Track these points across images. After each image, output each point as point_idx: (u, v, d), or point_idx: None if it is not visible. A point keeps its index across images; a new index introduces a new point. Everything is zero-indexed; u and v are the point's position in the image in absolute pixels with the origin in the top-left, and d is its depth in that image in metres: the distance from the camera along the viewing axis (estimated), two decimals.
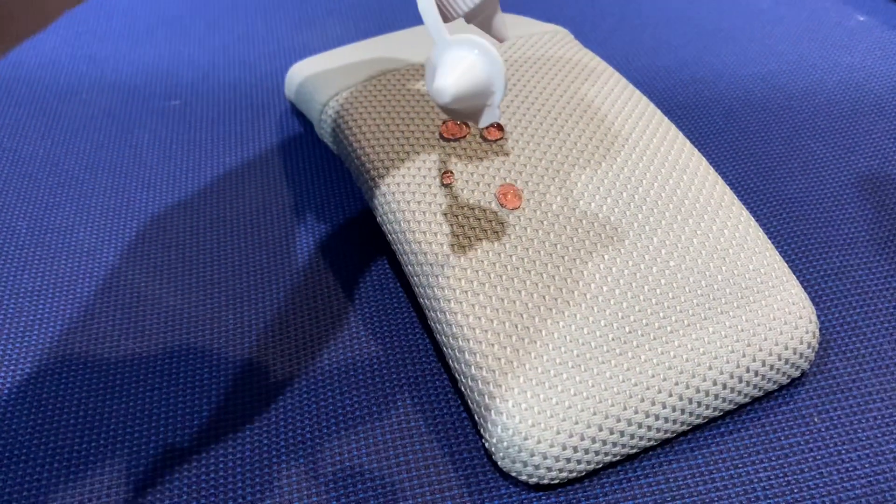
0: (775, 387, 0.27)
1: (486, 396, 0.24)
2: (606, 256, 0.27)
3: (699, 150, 0.37)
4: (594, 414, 0.24)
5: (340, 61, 0.36)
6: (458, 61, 0.21)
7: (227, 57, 0.47)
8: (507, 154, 0.30)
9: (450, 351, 0.26)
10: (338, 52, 0.38)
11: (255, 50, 0.48)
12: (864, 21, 0.46)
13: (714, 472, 0.25)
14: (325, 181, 0.37)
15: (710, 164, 0.36)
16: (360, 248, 0.34)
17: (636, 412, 0.25)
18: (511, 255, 0.27)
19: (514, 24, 0.38)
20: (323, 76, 0.35)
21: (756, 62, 0.43)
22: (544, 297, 0.26)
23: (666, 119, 0.32)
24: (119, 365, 0.29)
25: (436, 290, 0.26)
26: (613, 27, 0.47)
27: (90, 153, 0.40)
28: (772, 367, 0.26)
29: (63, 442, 0.27)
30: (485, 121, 0.23)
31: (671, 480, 0.25)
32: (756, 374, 0.26)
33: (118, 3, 0.54)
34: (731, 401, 0.26)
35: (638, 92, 0.33)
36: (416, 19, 0.47)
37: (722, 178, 0.33)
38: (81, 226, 0.35)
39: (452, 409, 0.27)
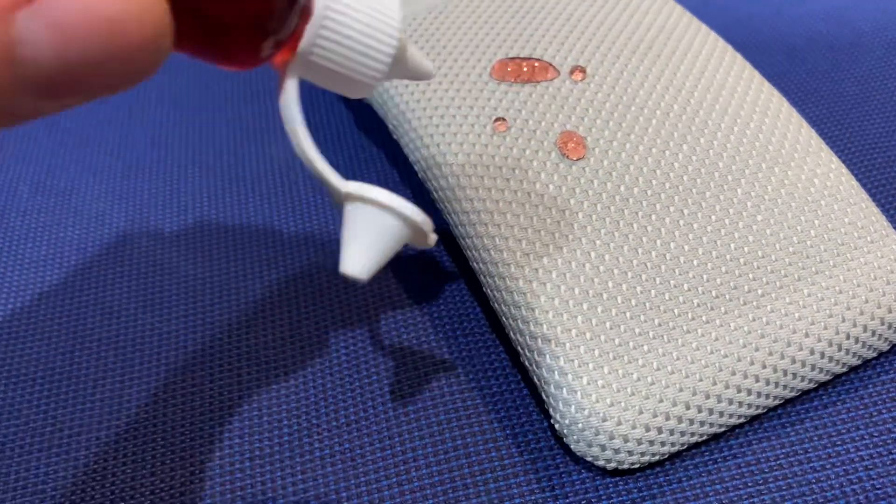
0: (875, 354, 0.24)
1: (555, 373, 0.21)
2: (686, 211, 0.24)
3: None
4: (680, 390, 0.21)
5: None
6: (362, 230, 0.16)
7: None
8: (566, 98, 0.26)
9: (511, 322, 0.23)
10: None
11: None
12: None
13: (810, 450, 0.23)
14: (357, 132, 0.34)
15: None
16: None
17: (727, 387, 0.22)
18: (577, 213, 0.24)
19: None
20: None
21: None
22: (618, 259, 0.23)
23: (740, 56, 0.28)
24: (136, 341, 0.27)
25: (492, 252, 0.23)
26: None
27: (93, 108, 0.36)
28: (873, 333, 0.23)
29: (79, 428, 0.24)
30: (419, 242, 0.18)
31: (762, 461, 0.22)
32: (857, 340, 0.23)
33: None
34: (828, 371, 0.23)
35: (705, 27, 0.29)
36: None
37: None
38: (87, 189, 0.32)
39: (513, 385, 0.24)
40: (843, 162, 0.30)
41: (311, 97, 0.36)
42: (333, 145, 0.33)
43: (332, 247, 0.29)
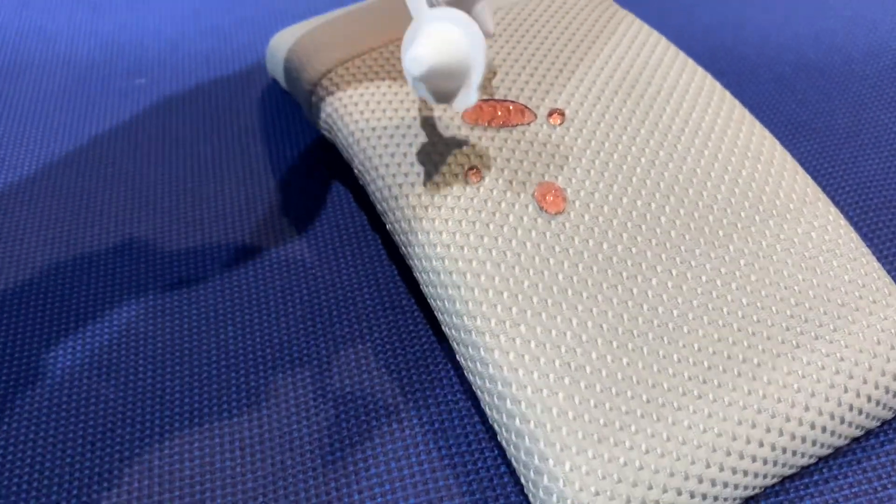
0: (878, 423, 0.22)
1: (535, 457, 0.20)
2: (675, 272, 0.22)
3: None
4: (671, 475, 0.19)
5: (333, 29, 0.30)
6: (436, 33, 0.20)
7: (197, 25, 0.41)
8: (543, 144, 0.24)
9: (486, 397, 0.21)
10: (329, 17, 0.32)
11: (229, 16, 0.41)
12: None
13: None
14: (319, 175, 0.32)
15: None
16: (364, 257, 0.28)
17: (721, 469, 0.20)
18: (557, 274, 0.22)
19: None
20: (313, 48, 0.29)
21: (806, 20, 0.38)
22: (602, 327, 0.21)
23: (729, 94, 0.27)
24: (90, 412, 0.24)
25: (465, 319, 0.21)
26: None
27: (42, 143, 0.34)
28: (878, 403, 0.22)
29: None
30: (460, 104, 0.21)
31: None
32: (860, 412, 0.21)
33: None
34: (829, 445, 0.21)
35: (692, 62, 0.28)
36: None
37: None
38: (33, 235, 0.30)
39: (489, 462, 0.22)
40: (837, 202, 0.28)
41: (277, 134, 0.34)
42: (298, 184, 0.31)
43: (290, 297, 0.27)
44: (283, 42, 0.32)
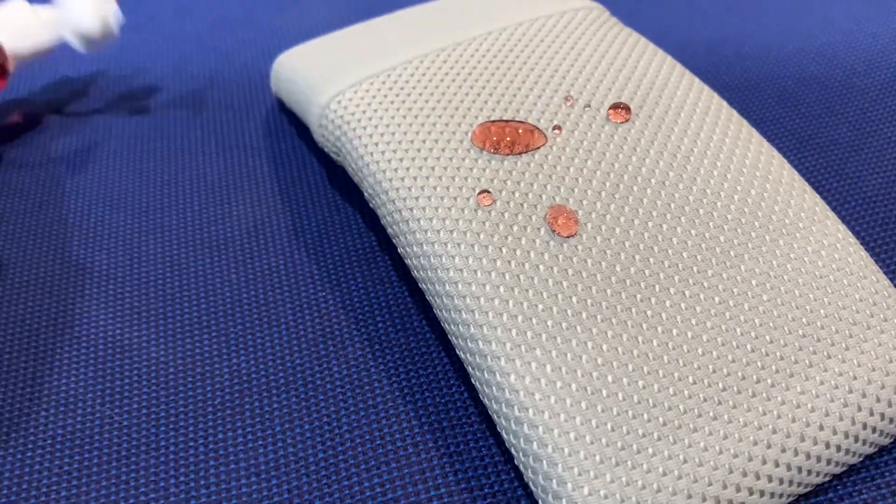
0: (891, 441, 0.22)
1: (553, 482, 0.20)
2: (688, 293, 0.22)
3: None
4: (689, 497, 0.20)
5: (341, 50, 0.30)
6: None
7: (200, 46, 0.41)
8: (553, 166, 0.24)
9: (503, 421, 0.21)
10: (335, 37, 0.32)
11: (233, 37, 0.42)
12: None
13: None
14: (327, 196, 0.32)
15: None
16: (374, 279, 0.28)
17: (738, 490, 0.20)
18: (571, 297, 0.22)
19: (539, 0, 0.33)
20: (320, 69, 0.30)
21: (807, 34, 0.38)
22: (617, 350, 0.21)
23: (735, 113, 0.27)
24: (94, 436, 0.24)
25: (480, 343, 0.21)
26: None
27: (45, 168, 0.34)
28: (891, 420, 0.22)
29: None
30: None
31: None
32: (874, 430, 0.21)
33: None
34: (843, 463, 0.22)
35: (699, 81, 0.28)
36: None
37: None
38: (39, 260, 0.30)
39: (506, 486, 0.22)
40: (844, 218, 0.29)
41: (283, 154, 0.34)
42: (306, 205, 0.31)
43: (300, 321, 0.27)
44: (289, 62, 0.32)
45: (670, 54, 0.36)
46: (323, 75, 0.29)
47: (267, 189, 0.32)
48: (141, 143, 0.35)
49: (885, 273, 0.27)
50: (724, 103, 0.27)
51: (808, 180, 0.30)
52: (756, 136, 0.26)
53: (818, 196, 0.25)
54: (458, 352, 0.23)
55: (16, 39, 0.32)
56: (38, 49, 0.33)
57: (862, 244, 0.28)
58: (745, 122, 0.26)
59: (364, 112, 0.27)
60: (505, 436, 0.21)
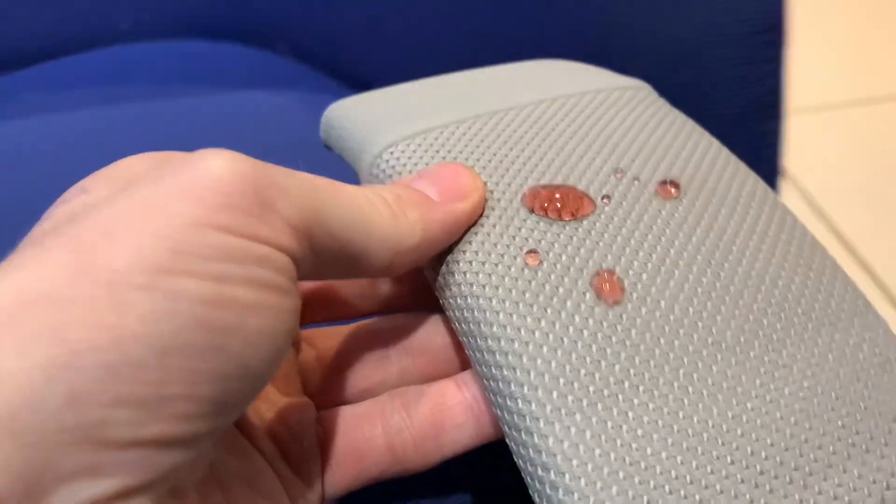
0: None
1: None
2: (730, 373, 0.22)
3: None
4: None
5: (396, 103, 0.31)
6: None
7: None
8: (601, 233, 0.25)
9: (536, 484, 0.21)
10: (391, 90, 0.33)
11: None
12: None
13: None
14: None
15: None
16: None
17: None
18: (614, 365, 0.22)
19: (588, 74, 0.34)
20: (375, 119, 0.30)
21: None
22: (657, 423, 0.21)
23: (780, 200, 0.27)
24: None
25: (520, 402, 0.21)
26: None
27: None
28: None
29: None
30: None
31: None
32: None
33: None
34: None
35: (745, 166, 0.28)
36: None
37: None
38: None
39: None
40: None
41: None
42: None
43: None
44: (341, 111, 0.33)
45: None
46: (378, 125, 0.30)
47: None
48: None
49: None
50: (770, 190, 0.28)
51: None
52: (800, 225, 0.27)
53: (860, 289, 0.25)
54: (494, 409, 0.23)
55: None
56: None
57: None
58: (790, 211, 0.27)
59: (416, 165, 0.28)
60: (537, 499, 0.21)
